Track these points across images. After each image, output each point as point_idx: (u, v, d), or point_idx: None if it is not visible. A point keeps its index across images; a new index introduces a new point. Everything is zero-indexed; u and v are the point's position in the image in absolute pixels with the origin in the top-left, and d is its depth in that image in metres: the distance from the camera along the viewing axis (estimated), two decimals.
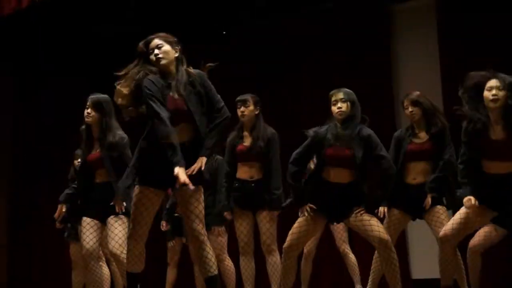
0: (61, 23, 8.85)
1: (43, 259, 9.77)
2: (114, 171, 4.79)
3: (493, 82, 4.01)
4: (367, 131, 4.40)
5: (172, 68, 3.80)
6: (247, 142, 5.21)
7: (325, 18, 8.69)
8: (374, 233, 4.25)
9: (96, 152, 4.91)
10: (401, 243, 7.42)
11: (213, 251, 3.81)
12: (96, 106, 4.88)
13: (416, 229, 7.07)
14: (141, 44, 3.82)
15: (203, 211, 3.78)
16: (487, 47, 7.54)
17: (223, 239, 5.72)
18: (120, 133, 4.89)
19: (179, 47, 3.91)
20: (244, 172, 5.21)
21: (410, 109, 5.04)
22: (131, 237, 3.81)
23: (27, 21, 8.50)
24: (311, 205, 4.39)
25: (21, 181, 10.38)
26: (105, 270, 5.12)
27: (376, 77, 8.32)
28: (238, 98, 5.28)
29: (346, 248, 6.11)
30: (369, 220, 4.29)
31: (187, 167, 3.55)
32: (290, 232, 4.47)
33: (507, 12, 7.49)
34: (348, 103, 4.40)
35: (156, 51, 3.75)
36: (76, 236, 6.05)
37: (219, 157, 5.64)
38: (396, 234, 4.93)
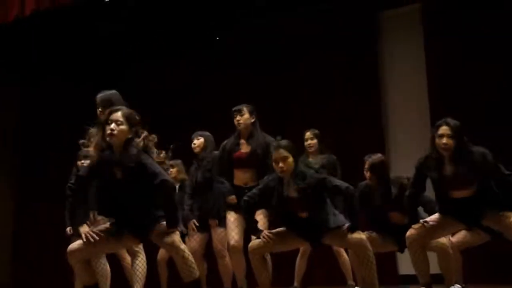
0: (61, 30, 9.22)
1: (47, 259, 9.89)
2: None
3: (443, 130, 4.37)
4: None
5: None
6: (244, 149, 5.36)
7: (320, 20, 8.97)
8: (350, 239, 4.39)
9: None
10: None
11: (191, 256, 3.93)
12: (107, 104, 4.75)
13: None
14: (106, 112, 3.99)
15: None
16: (471, 51, 7.86)
17: (224, 236, 5.78)
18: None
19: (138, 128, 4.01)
20: (239, 179, 5.34)
21: None
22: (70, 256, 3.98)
23: (30, 28, 8.81)
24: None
25: (27, 180, 10.55)
26: (106, 266, 5.29)
27: (365, 78, 8.63)
28: (234, 108, 5.44)
29: (339, 248, 6.18)
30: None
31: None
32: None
33: (490, 18, 7.81)
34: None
35: (113, 125, 3.89)
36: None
37: (215, 152, 5.85)
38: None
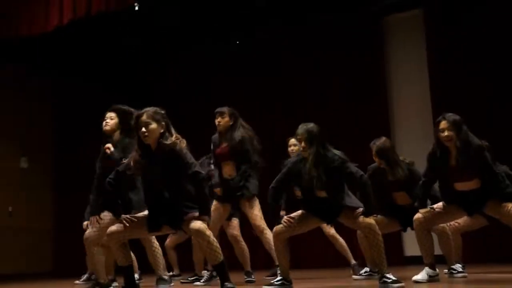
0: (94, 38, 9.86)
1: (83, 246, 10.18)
2: None
3: (443, 124, 4.66)
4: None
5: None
6: (223, 144, 5.70)
7: (326, 29, 9.48)
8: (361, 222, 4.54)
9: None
10: None
11: (216, 241, 4.04)
12: (116, 115, 5.07)
13: None
14: (134, 117, 4.22)
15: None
16: (472, 55, 8.29)
17: (237, 223, 6.27)
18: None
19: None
20: (224, 172, 5.71)
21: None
22: (110, 234, 4.18)
23: (68, 36, 9.44)
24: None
25: (64, 173, 11.04)
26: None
27: (370, 81, 9.06)
28: (216, 110, 5.77)
29: (334, 233, 6.38)
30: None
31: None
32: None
33: (490, 21, 8.23)
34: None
35: (143, 128, 4.11)
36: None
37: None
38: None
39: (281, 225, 4.65)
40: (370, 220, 4.50)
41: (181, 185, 4.11)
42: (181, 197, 4.10)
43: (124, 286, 4.28)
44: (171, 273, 7.41)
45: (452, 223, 5.73)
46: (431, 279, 4.72)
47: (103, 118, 5.13)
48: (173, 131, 4.19)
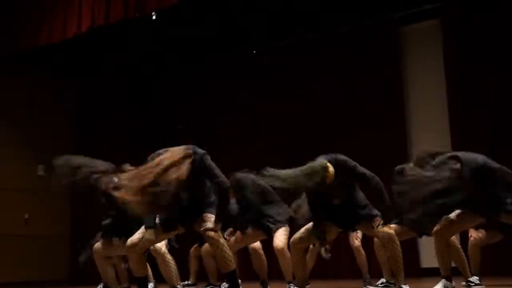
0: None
1: None
2: None
3: None
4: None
5: None
6: None
7: (342, 40, 9.51)
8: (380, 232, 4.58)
9: None
10: None
11: (229, 250, 4.09)
12: None
13: None
14: None
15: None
16: (491, 65, 8.25)
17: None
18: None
19: None
20: None
21: None
22: (131, 246, 4.24)
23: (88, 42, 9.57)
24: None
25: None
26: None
27: (387, 92, 9.05)
28: None
29: (358, 246, 6.39)
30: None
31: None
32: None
33: (509, 32, 8.18)
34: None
35: None
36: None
37: None
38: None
39: (298, 235, 4.66)
40: (390, 230, 4.51)
41: (200, 188, 4.15)
42: (198, 198, 4.15)
43: None
44: (186, 282, 7.44)
45: (474, 235, 5.74)
46: None
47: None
48: None
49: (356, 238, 6.37)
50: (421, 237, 5.58)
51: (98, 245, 5.13)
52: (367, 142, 8.85)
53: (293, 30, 9.66)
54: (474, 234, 5.77)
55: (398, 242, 4.53)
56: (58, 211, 11.09)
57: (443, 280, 4.72)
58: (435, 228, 4.74)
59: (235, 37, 9.96)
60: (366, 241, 6.35)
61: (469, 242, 5.81)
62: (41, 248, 10.52)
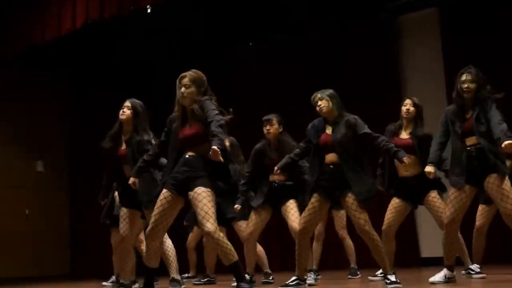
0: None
1: (104, 250, 9.96)
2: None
3: (465, 76, 4.59)
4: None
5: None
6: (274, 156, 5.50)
7: (339, 31, 9.52)
8: (356, 220, 4.47)
9: (123, 149, 5.12)
10: (411, 224, 8.21)
11: (225, 242, 3.96)
12: (132, 107, 5.15)
13: (425, 211, 7.61)
14: (178, 78, 4.28)
15: (212, 210, 4.01)
16: (489, 54, 8.12)
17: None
18: (147, 137, 5.03)
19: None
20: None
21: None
22: (150, 235, 4.13)
23: (82, 39, 9.55)
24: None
25: (79, 176, 11.20)
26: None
27: (385, 80, 9.04)
28: (264, 118, 5.64)
29: (344, 233, 6.45)
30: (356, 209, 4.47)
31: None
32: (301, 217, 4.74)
33: (508, 20, 8.12)
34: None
35: (183, 89, 4.20)
36: (116, 223, 5.90)
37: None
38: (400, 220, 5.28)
39: (303, 219, 4.61)
40: (366, 226, 4.41)
41: (204, 150, 4.06)
42: (201, 162, 4.08)
43: (142, 287, 4.30)
44: (186, 274, 7.46)
45: (477, 224, 5.73)
46: (448, 280, 4.67)
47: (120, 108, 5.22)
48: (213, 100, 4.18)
49: (341, 227, 6.42)
50: (417, 207, 5.39)
51: (125, 233, 5.07)
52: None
53: (292, 21, 9.60)
54: (480, 220, 5.75)
55: (375, 235, 4.44)
56: (59, 207, 11.13)
57: (445, 269, 4.71)
58: (446, 219, 4.61)
59: (234, 31, 9.91)
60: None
61: (475, 229, 5.80)
62: (42, 243, 10.56)
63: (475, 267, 5.45)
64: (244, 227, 5.84)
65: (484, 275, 5.32)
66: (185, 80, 4.19)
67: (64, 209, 11.26)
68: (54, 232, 10.90)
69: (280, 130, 5.58)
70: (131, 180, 4.66)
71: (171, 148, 4.25)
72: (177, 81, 4.25)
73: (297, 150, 4.97)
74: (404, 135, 5.29)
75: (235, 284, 5.48)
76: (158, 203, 4.10)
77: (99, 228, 9.99)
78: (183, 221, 7.13)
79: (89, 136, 10.88)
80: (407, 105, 5.38)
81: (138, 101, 5.25)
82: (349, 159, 4.52)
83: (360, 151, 4.59)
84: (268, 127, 5.57)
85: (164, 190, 4.12)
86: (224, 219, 6.06)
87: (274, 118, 5.59)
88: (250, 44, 10.43)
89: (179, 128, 4.20)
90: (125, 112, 5.14)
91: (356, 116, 4.68)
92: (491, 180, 4.40)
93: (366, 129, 4.59)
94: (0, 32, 9.24)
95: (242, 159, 6.13)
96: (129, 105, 5.17)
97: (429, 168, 4.75)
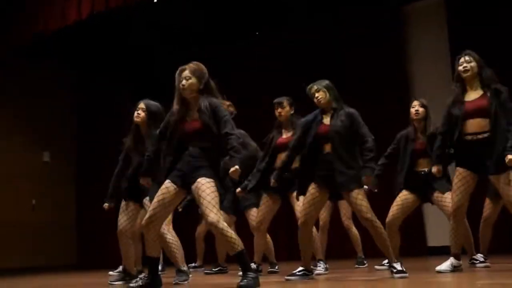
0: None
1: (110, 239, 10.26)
2: None
3: (463, 58, 4.66)
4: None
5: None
6: (286, 135, 5.69)
7: (345, 21, 9.50)
8: (358, 208, 4.51)
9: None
10: (418, 214, 8.18)
11: (229, 231, 3.95)
12: (146, 109, 5.20)
13: None
14: (177, 71, 4.29)
15: (216, 199, 3.99)
16: (494, 41, 8.13)
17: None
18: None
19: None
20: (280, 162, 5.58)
21: None
22: (146, 226, 4.10)
23: (89, 30, 9.60)
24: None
25: (86, 167, 11.26)
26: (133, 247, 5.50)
27: (391, 69, 9.02)
28: (275, 101, 5.72)
29: (349, 223, 6.51)
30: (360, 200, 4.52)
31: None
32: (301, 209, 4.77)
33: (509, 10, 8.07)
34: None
35: (184, 81, 4.20)
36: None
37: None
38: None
39: (304, 211, 4.64)
40: (368, 214, 4.45)
41: (209, 144, 4.08)
42: (203, 156, 4.06)
43: (147, 277, 4.31)
44: (193, 264, 7.48)
45: (484, 215, 5.75)
46: (455, 269, 4.67)
47: (134, 109, 5.25)
48: (215, 92, 4.24)
49: (347, 217, 6.48)
50: (425, 202, 5.43)
51: (124, 224, 5.11)
52: (371, 121, 8.77)
53: (298, 12, 9.58)
54: (487, 211, 5.76)
55: (380, 225, 4.49)
56: (65, 197, 11.17)
57: (451, 258, 4.71)
58: (451, 205, 4.67)
59: (234, 31, 9.96)
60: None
61: (482, 219, 5.81)
62: (49, 234, 10.61)
63: (479, 256, 5.45)
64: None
65: (488, 264, 5.33)
66: (186, 73, 4.21)
67: (70, 200, 11.30)
68: (60, 222, 10.94)
69: (291, 112, 5.69)
70: (143, 180, 4.57)
71: (170, 141, 4.24)
72: (177, 74, 4.26)
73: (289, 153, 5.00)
74: (421, 138, 5.32)
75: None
76: (159, 193, 4.09)
77: (105, 218, 10.20)
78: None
79: (96, 126, 11.09)
80: (416, 106, 5.44)
81: (153, 102, 5.29)
82: (341, 148, 4.57)
83: (354, 142, 4.65)
84: (279, 110, 5.69)
85: (167, 182, 4.12)
86: (236, 207, 6.14)
87: (285, 101, 5.70)
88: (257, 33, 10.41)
89: (179, 122, 4.20)
90: (140, 114, 5.19)
91: (355, 110, 4.76)
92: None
93: (362, 128, 4.66)
94: (7, 22, 9.24)
95: (254, 145, 6.15)
96: (143, 106, 5.22)
97: (434, 169, 4.80)
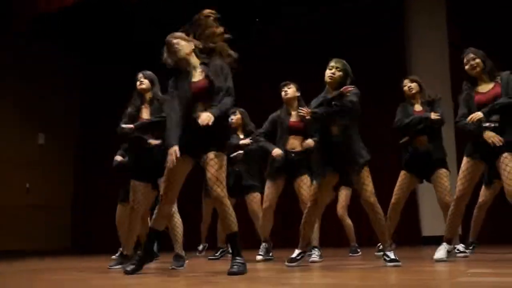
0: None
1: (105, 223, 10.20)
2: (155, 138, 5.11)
3: (468, 56, 4.77)
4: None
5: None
6: (294, 117, 5.67)
7: (346, 11, 9.49)
8: (363, 190, 4.53)
9: (146, 119, 5.19)
10: (412, 203, 8.29)
11: (231, 211, 4.04)
12: (148, 77, 5.30)
13: (427, 191, 7.64)
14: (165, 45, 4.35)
15: (223, 175, 4.05)
16: (494, 41, 8.05)
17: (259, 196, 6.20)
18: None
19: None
20: (291, 144, 5.62)
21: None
22: (163, 198, 4.16)
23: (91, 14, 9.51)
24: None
25: (82, 150, 11.27)
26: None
27: (391, 56, 9.04)
28: (281, 84, 5.79)
29: (343, 213, 6.61)
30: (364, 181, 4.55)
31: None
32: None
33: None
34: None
35: (176, 46, 4.29)
36: (124, 199, 6.05)
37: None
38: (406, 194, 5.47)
39: (313, 195, 4.68)
40: (371, 198, 4.47)
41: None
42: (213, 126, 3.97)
43: (141, 252, 4.39)
44: (201, 246, 7.45)
45: (480, 201, 5.87)
46: (449, 254, 4.77)
47: (135, 79, 5.31)
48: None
49: (342, 207, 6.57)
50: (422, 182, 5.56)
51: (137, 205, 5.12)
52: (372, 121, 8.72)
53: (298, 12, 9.60)
54: (483, 197, 5.86)
55: (380, 210, 4.53)
56: (60, 180, 11.15)
57: (444, 243, 4.78)
58: (457, 193, 4.71)
59: (242, 23, 9.71)
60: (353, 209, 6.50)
61: (477, 205, 5.90)
62: (43, 217, 10.60)
63: (460, 246, 5.44)
64: (258, 198, 6.06)
65: (468, 254, 5.35)
66: (174, 41, 4.25)
67: (65, 183, 11.28)
68: (55, 205, 10.93)
69: (297, 94, 5.74)
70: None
71: (178, 104, 4.18)
72: (165, 47, 4.30)
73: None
74: (418, 107, 5.56)
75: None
76: (170, 165, 4.03)
77: (100, 202, 10.29)
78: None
79: (93, 110, 11.09)
80: (407, 84, 5.70)
81: (149, 71, 5.38)
82: (347, 128, 4.60)
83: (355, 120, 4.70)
84: (285, 89, 5.73)
85: (177, 151, 4.03)
86: (239, 188, 6.18)
87: (291, 83, 5.78)
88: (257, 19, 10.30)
89: (188, 82, 4.21)
90: (143, 81, 5.28)
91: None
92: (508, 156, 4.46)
93: (352, 97, 4.75)
94: (6, 3, 9.16)
95: (253, 125, 6.30)
96: (144, 75, 5.32)
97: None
